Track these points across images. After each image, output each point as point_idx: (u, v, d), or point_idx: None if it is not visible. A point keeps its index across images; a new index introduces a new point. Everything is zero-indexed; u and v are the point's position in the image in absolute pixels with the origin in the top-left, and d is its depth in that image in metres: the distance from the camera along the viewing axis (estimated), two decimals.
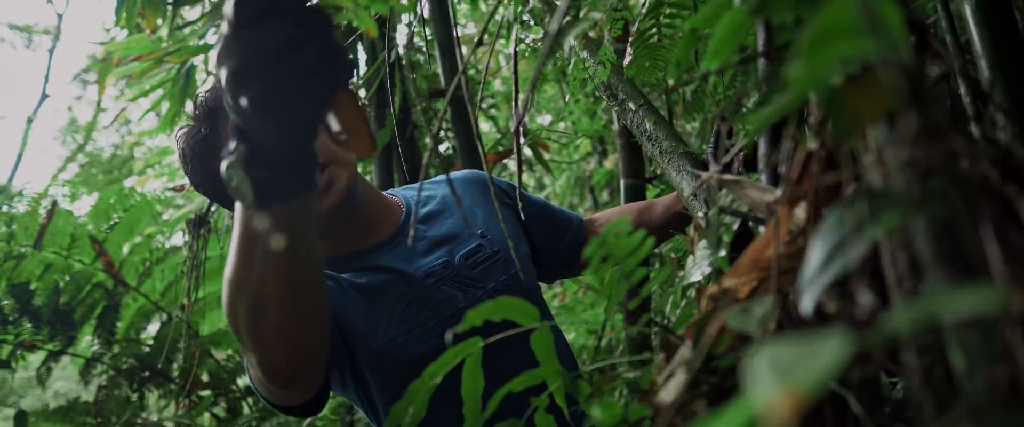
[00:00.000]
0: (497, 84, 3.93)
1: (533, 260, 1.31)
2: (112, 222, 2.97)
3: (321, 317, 0.83)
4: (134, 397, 3.16)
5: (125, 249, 3.07)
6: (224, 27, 0.60)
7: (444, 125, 2.74)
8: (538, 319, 0.71)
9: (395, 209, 1.26)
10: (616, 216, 1.40)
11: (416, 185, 1.44)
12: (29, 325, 3.08)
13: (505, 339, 0.66)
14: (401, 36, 2.95)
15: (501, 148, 3.15)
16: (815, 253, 0.42)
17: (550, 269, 1.38)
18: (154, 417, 3.49)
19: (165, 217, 3.29)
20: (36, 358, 3.36)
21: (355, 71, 0.66)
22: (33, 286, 2.98)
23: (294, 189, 0.68)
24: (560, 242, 1.36)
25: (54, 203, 2.83)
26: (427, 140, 2.70)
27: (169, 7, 2.66)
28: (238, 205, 0.71)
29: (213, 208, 2.79)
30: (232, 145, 0.65)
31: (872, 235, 0.40)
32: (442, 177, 1.39)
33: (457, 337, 0.66)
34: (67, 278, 3.02)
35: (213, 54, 0.63)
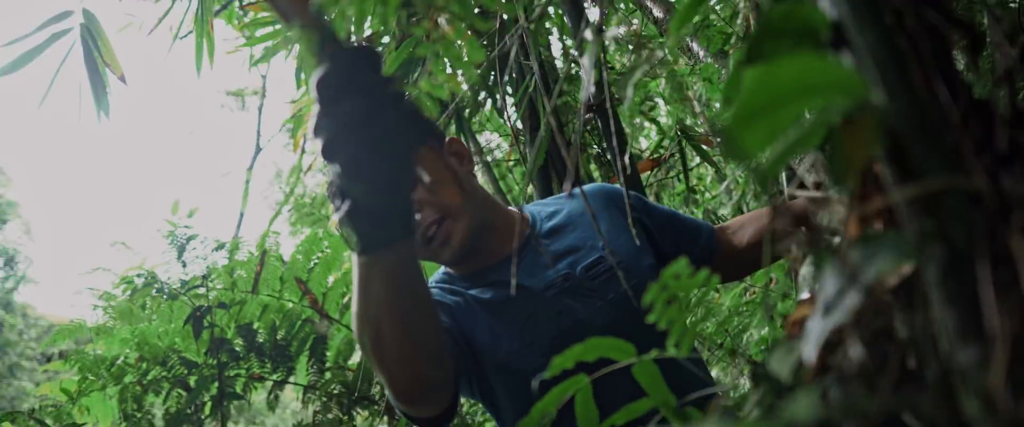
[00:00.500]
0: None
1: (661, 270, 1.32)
2: (313, 262, 3.28)
3: (432, 346, 0.91)
4: (344, 418, 3.47)
5: (330, 280, 3.38)
6: (313, 105, 0.70)
7: (597, 136, 2.77)
8: (634, 353, 0.74)
9: (522, 225, 1.33)
10: (748, 222, 1.37)
11: (544, 201, 1.49)
12: (256, 360, 3.47)
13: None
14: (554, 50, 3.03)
15: (663, 150, 3.12)
16: (818, 303, 0.42)
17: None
18: None
19: None
20: (264, 387, 3.77)
21: (434, 129, 0.74)
22: (256, 326, 3.36)
23: (392, 238, 0.77)
24: (690, 252, 1.35)
25: (264, 252, 3.18)
26: (568, 152, 2.75)
27: None
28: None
29: None
30: (336, 203, 0.75)
31: (865, 284, 0.40)
32: (570, 191, 1.44)
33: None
34: (281, 316, 3.37)
35: (309, 126, 0.72)
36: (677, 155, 2.84)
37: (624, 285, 1.08)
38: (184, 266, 3.12)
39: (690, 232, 1.38)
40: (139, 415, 3.66)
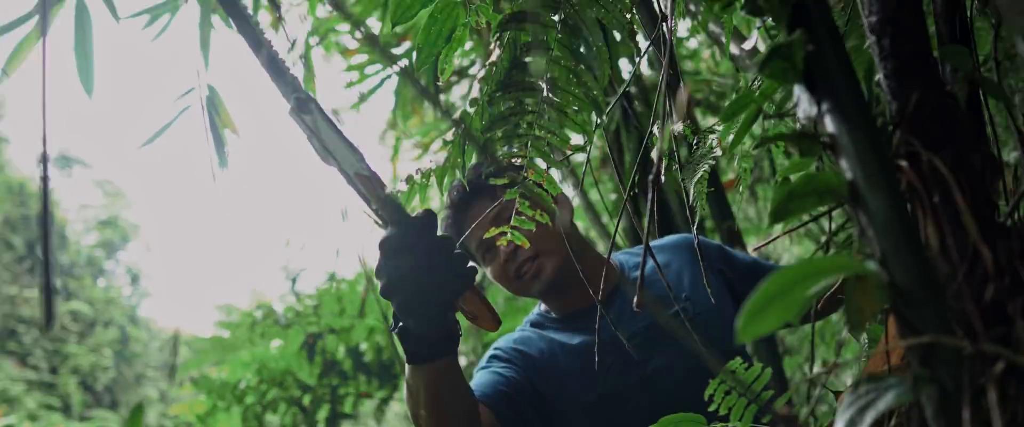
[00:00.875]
0: None
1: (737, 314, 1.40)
2: None
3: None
4: None
5: None
6: (378, 254, 0.89)
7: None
8: (704, 423, 0.84)
9: (611, 274, 1.43)
10: None
11: (635, 249, 1.59)
12: (363, 378, 3.70)
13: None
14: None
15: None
16: (839, 421, 0.52)
17: None
18: None
19: None
20: (371, 403, 4.00)
21: (474, 277, 0.94)
22: (363, 347, 3.58)
23: (432, 356, 0.98)
24: None
25: (369, 278, 3.39)
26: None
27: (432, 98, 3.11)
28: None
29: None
30: (393, 324, 0.97)
31: (875, 411, 0.50)
32: (665, 240, 1.53)
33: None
34: (387, 338, 3.57)
35: (375, 268, 0.92)
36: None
37: (686, 335, 1.18)
38: (297, 297, 3.36)
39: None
40: None
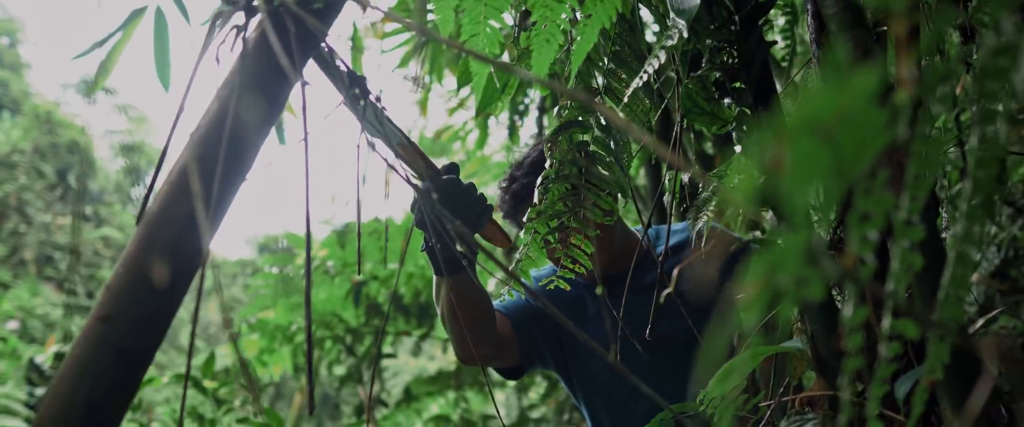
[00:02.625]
0: None
1: None
2: None
3: (481, 334, 1.39)
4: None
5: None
6: (423, 187, 1.16)
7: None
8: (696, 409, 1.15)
9: (639, 247, 1.71)
10: None
11: (674, 226, 1.86)
12: (402, 319, 4.07)
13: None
14: None
15: None
16: None
17: None
18: (499, 379, 4.38)
19: None
20: (409, 341, 4.39)
21: (491, 211, 1.24)
22: (402, 291, 3.93)
23: (452, 271, 1.29)
24: None
25: (410, 229, 3.71)
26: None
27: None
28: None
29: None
30: (425, 245, 1.28)
31: None
32: (685, 224, 1.82)
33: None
34: (423, 282, 3.92)
35: (413, 199, 1.18)
36: None
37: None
38: (342, 248, 3.69)
39: None
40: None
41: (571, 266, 1.07)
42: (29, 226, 19.52)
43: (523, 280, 1.68)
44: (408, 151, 1.16)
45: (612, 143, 1.03)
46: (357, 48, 2.85)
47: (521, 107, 3.29)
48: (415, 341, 4.30)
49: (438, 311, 1.41)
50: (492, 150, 4.60)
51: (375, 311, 3.95)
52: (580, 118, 1.02)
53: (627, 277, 1.62)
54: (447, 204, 1.19)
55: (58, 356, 11.55)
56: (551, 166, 1.04)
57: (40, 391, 10.70)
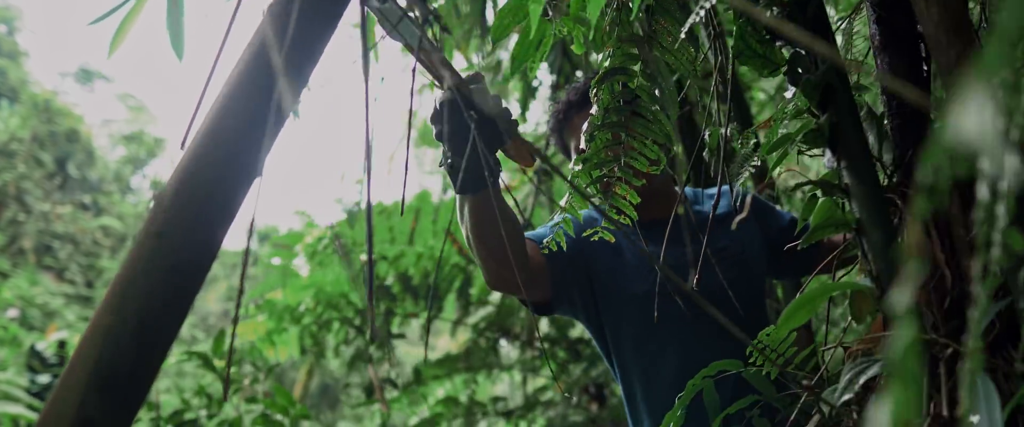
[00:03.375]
0: None
1: (769, 260, 1.65)
2: None
3: (507, 255, 1.28)
4: (490, 349, 4.01)
5: None
6: (437, 102, 1.09)
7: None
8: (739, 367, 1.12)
9: (676, 198, 1.67)
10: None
11: (711, 189, 1.82)
12: (411, 300, 4.03)
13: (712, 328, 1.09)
14: None
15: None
16: (842, 380, 0.80)
17: (791, 269, 1.71)
18: (508, 362, 4.35)
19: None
20: (417, 323, 4.35)
21: (516, 127, 1.14)
22: (411, 272, 3.90)
23: (474, 189, 1.19)
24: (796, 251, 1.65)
25: (418, 210, 3.68)
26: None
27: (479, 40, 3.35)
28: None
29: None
30: (443, 160, 1.18)
31: (866, 376, 0.77)
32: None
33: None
34: (433, 263, 3.89)
35: (430, 112, 1.13)
36: None
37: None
38: (352, 228, 3.65)
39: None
40: (315, 347, 4.33)
41: (616, 216, 1.04)
42: (28, 215, 19.47)
43: (560, 224, 1.62)
44: (431, 57, 1.06)
45: (657, 91, 0.99)
46: None
47: (536, 83, 3.25)
48: (424, 323, 4.27)
49: (464, 234, 1.31)
50: None
51: (383, 292, 3.92)
52: (625, 66, 0.99)
53: (667, 224, 1.58)
54: (468, 119, 1.10)
55: (60, 344, 11.51)
56: (596, 114, 1.00)
57: (42, 378, 10.67)
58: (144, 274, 0.51)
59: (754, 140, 1.20)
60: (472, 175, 1.17)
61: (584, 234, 1.27)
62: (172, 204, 0.53)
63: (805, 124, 0.90)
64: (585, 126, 1.08)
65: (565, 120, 1.61)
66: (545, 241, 1.22)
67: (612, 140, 1.01)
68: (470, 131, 1.04)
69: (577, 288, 1.55)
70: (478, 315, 4.09)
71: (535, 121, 4.55)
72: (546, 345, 4.05)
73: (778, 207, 1.78)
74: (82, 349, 0.51)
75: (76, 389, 0.50)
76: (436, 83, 1.12)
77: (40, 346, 11.17)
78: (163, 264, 0.51)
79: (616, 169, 1.01)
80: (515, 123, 1.17)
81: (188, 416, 3.31)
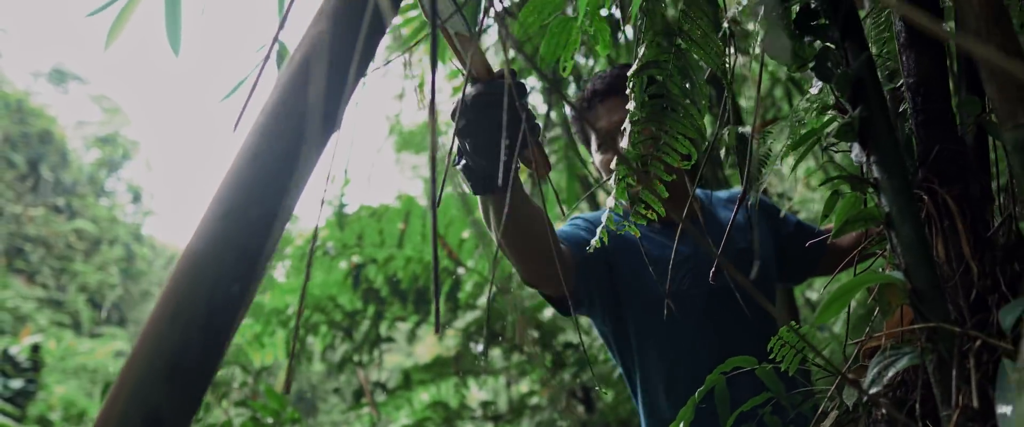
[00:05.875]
0: None
1: (778, 263, 1.67)
2: (451, 218, 3.75)
3: (536, 250, 1.29)
4: (478, 354, 4.01)
5: (464, 234, 3.87)
6: (465, 96, 1.04)
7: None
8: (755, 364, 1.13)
9: (695, 202, 1.67)
10: (838, 241, 1.70)
11: (719, 193, 1.82)
12: (399, 304, 4.02)
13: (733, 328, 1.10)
14: None
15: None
16: (870, 373, 0.81)
17: (798, 271, 1.73)
18: (497, 366, 4.35)
19: None
20: (405, 326, 4.34)
21: (538, 131, 1.09)
22: (399, 276, 3.88)
23: (486, 190, 1.15)
24: (807, 251, 1.66)
25: (407, 213, 3.67)
26: None
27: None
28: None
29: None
30: (457, 161, 1.14)
31: (895, 369, 0.79)
32: (734, 191, 1.80)
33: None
34: (421, 267, 3.88)
35: (450, 110, 1.08)
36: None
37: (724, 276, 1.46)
38: (341, 230, 3.63)
39: (810, 236, 1.68)
40: (302, 351, 4.30)
41: (644, 211, 1.04)
42: None
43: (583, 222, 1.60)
44: (465, 43, 1.00)
45: (688, 85, 1.01)
46: None
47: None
48: (410, 328, 4.26)
49: (494, 238, 1.26)
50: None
51: (371, 295, 3.90)
52: (658, 59, 1.00)
53: (697, 228, 1.58)
54: (494, 114, 1.03)
55: (34, 348, 11.26)
56: (633, 110, 1.01)
57: (15, 382, 10.46)
58: (213, 256, 0.50)
59: (769, 141, 1.21)
60: (491, 175, 1.13)
61: (607, 233, 1.25)
62: (236, 182, 0.53)
63: (833, 118, 0.91)
64: (624, 122, 1.07)
65: (589, 109, 1.61)
66: (592, 242, 1.19)
67: (645, 135, 1.01)
68: (496, 131, 1.03)
69: (599, 289, 1.55)
70: (466, 319, 4.08)
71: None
72: (536, 349, 4.05)
73: (782, 210, 1.80)
74: (145, 340, 0.50)
75: (145, 380, 0.49)
76: (463, 73, 1.07)
77: (13, 350, 11.01)
78: (231, 245, 0.51)
79: (649, 163, 1.02)
80: (537, 127, 1.13)
81: None
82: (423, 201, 4.19)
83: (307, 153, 0.51)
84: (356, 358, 3.88)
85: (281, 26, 0.79)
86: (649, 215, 1.04)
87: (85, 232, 21.83)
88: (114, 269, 21.65)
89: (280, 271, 4.27)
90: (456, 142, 1.14)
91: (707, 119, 1.41)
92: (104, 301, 21.25)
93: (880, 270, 0.89)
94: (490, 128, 1.05)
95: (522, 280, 1.41)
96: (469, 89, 1.05)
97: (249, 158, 0.53)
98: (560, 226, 1.60)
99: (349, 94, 0.53)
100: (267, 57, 0.72)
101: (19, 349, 10.64)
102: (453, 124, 1.09)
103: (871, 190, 0.84)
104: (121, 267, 22.00)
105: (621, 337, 1.59)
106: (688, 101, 1.00)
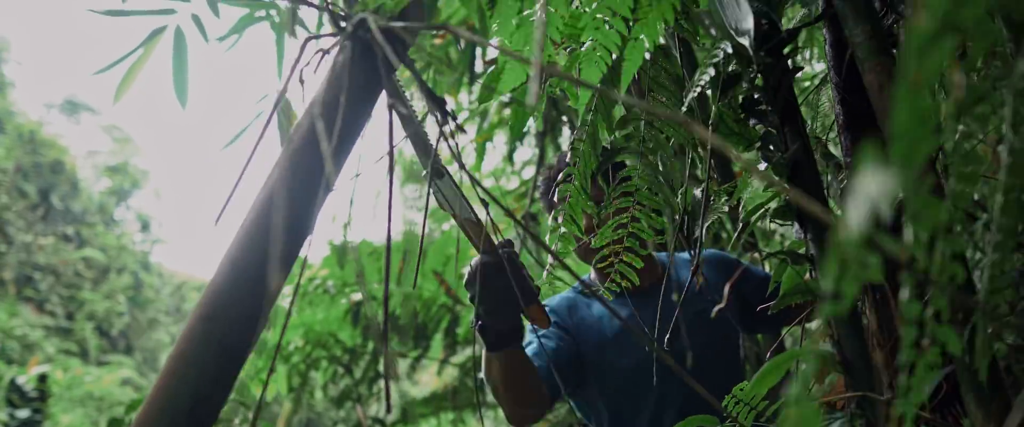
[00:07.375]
0: None
1: (743, 317, 1.74)
2: (448, 255, 3.83)
3: (530, 398, 1.43)
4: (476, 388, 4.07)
5: (463, 271, 3.95)
6: (474, 266, 1.20)
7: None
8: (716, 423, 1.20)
9: (657, 268, 1.76)
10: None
11: (679, 255, 1.90)
12: (397, 340, 4.09)
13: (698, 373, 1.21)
14: None
15: None
16: None
17: (762, 324, 1.80)
18: (492, 401, 4.40)
19: None
20: (405, 362, 4.40)
21: (538, 293, 1.27)
22: (397, 312, 3.95)
23: (503, 346, 1.32)
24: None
25: (406, 250, 3.75)
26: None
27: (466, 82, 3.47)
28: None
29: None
30: (475, 321, 1.31)
31: None
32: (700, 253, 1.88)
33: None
34: (421, 303, 3.95)
35: (466, 275, 1.25)
36: None
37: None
38: (342, 268, 3.71)
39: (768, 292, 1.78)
40: (303, 385, 4.36)
41: (619, 280, 1.13)
42: (9, 246, 19.31)
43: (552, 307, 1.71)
44: (474, 227, 1.20)
45: (661, 165, 1.09)
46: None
47: (525, 130, 3.36)
48: (411, 363, 4.32)
49: (489, 386, 1.44)
50: (485, 173, 4.66)
51: (371, 332, 3.97)
52: (626, 145, 1.08)
53: (645, 292, 1.65)
54: (501, 278, 1.21)
55: (41, 377, 11.34)
56: (606, 199, 1.10)
57: (22, 413, 10.52)
58: (196, 355, 0.58)
59: (725, 198, 1.29)
60: (503, 334, 1.32)
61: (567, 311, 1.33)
62: (219, 288, 0.61)
63: (774, 196, 0.99)
64: (594, 213, 1.19)
65: (556, 186, 1.71)
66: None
67: (619, 215, 1.10)
68: (504, 292, 1.21)
69: (569, 383, 1.65)
70: (465, 354, 4.14)
71: (521, 159, 4.64)
72: None
73: (748, 263, 1.87)
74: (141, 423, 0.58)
75: None
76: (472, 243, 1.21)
77: (20, 380, 11.08)
78: (214, 345, 0.58)
79: (624, 241, 1.10)
80: (537, 289, 1.31)
81: None
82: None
83: (272, 271, 0.59)
84: (355, 393, 3.93)
85: (278, 103, 0.87)
86: (624, 284, 1.12)
87: (94, 260, 21.98)
88: (122, 297, 21.75)
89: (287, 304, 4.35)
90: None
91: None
92: (111, 329, 21.32)
93: None
94: (497, 291, 1.22)
95: (510, 422, 1.54)
96: (475, 261, 1.25)
97: (232, 264, 0.61)
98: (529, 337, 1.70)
99: (316, 217, 0.61)
100: (268, 122, 0.80)
101: (26, 379, 10.71)
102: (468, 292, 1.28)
103: (808, 265, 0.92)
104: (128, 295, 22.11)
105: (589, 407, 1.68)
106: (660, 180, 1.09)
